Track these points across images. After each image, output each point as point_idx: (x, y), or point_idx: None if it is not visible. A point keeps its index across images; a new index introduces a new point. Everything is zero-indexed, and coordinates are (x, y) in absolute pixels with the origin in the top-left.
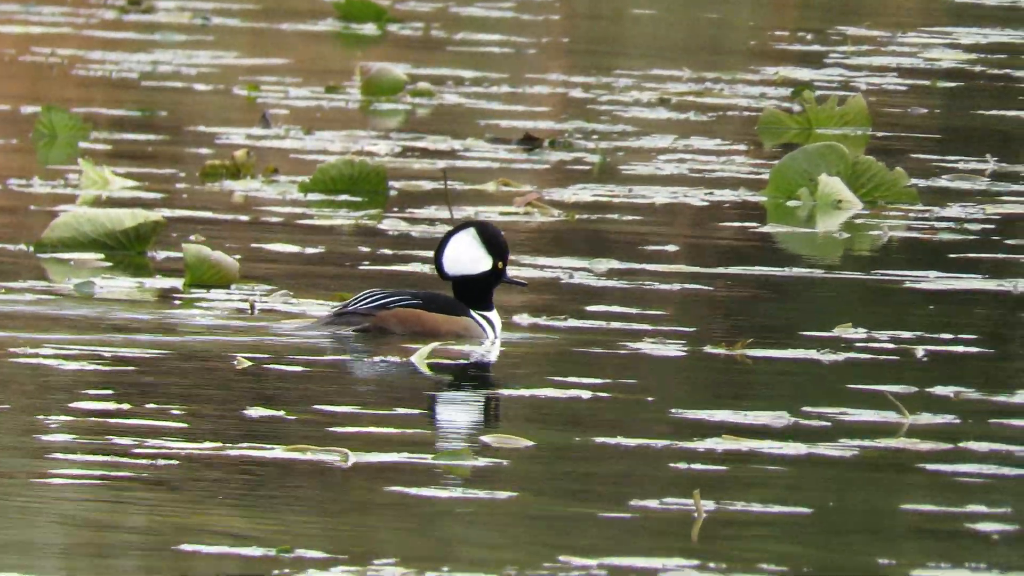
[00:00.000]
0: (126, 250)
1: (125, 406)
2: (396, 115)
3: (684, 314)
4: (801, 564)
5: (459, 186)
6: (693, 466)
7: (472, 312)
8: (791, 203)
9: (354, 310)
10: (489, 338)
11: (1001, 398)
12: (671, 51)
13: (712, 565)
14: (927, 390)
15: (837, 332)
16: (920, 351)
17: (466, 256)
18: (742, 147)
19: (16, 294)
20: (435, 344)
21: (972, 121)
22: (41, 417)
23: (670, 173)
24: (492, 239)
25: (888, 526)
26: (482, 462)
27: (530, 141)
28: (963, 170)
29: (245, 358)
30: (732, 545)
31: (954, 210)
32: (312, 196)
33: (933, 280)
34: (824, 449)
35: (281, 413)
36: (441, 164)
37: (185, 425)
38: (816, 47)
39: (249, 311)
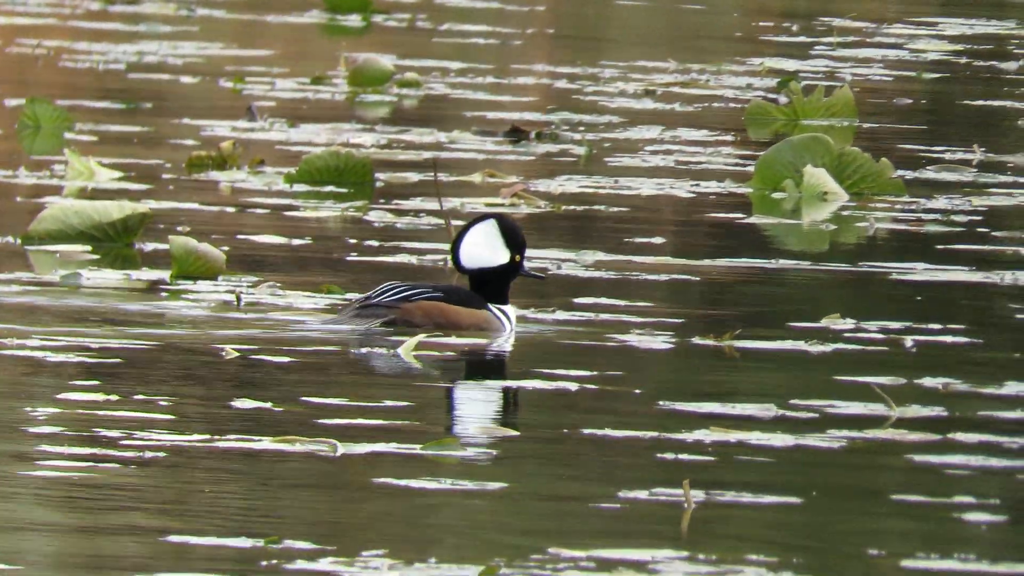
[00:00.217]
0: (113, 242)
1: (112, 397)
2: (382, 106)
3: (671, 305)
4: (790, 554)
5: (446, 177)
6: (681, 457)
7: (489, 305)
8: (777, 195)
9: (377, 303)
10: (506, 331)
11: (989, 389)
12: (656, 42)
13: (701, 556)
14: (915, 381)
15: (825, 323)
16: (908, 342)
17: (484, 249)
18: (728, 138)
19: (3, 285)
20: (421, 336)
21: (958, 112)
22: (28, 409)
23: (656, 164)
24: (510, 232)
25: (877, 516)
26: (470, 453)
27: (516, 132)
28: (949, 161)
29: (233, 349)
30: (721, 535)
31: (941, 201)
32: (298, 187)
33: (920, 271)
34: (812, 440)
35: (269, 404)
36: (427, 155)
37: (173, 416)
38: (801, 38)
39: (236, 303)
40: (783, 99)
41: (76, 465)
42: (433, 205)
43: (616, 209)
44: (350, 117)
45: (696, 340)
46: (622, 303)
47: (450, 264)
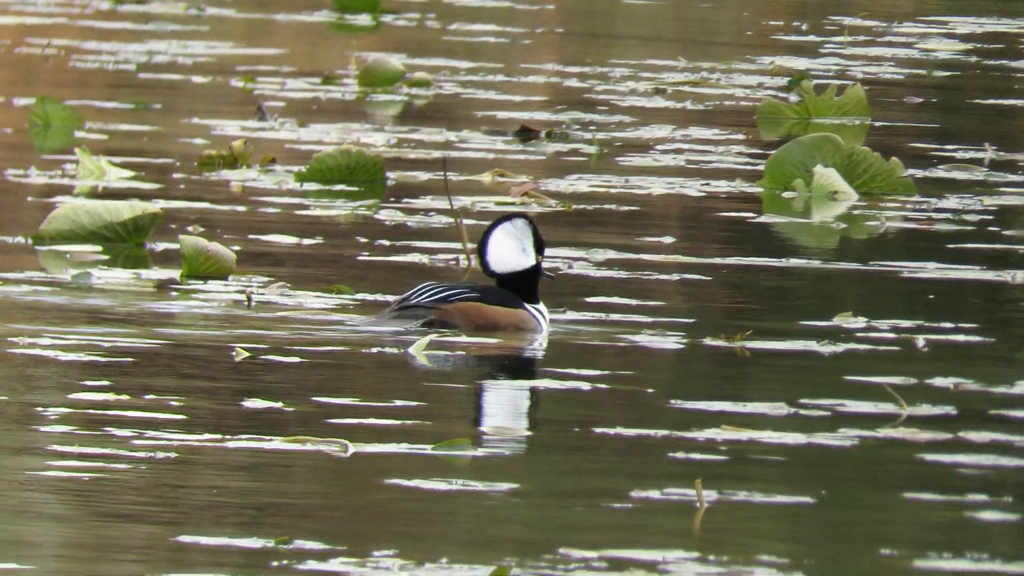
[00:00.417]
0: (124, 242)
1: (123, 397)
2: (392, 106)
3: (682, 305)
4: (802, 554)
5: (456, 177)
6: (693, 456)
7: (525, 304)
8: (787, 194)
9: (416, 304)
10: (541, 330)
11: (1000, 388)
12: (666, 40)
13: (713, 556)
14: (926, 380)
15: (837, 322)
16: (919, 341)
17: (513, 251)
18: (738, 137)
19: (14, 285)
20: (433, 335)
21: (969, 111)
22: (39, 407)
23: (667, 163)
24: (536, 232)
25: (888, 516)
26: (481, 453)
27: (526, 132)
28: (960, 160)
29: (244, 349)
30: (733, 535)
31: (952, 200)
32: (309, 186)
33: (932, 270)
34: (824, 439)
35: (280, 404)
36: (437, 154)
37: (183, 416)
38: (812, 37)
39: (246, 303)
40: (794, 98)
41: (86, 464)
42: (444, 204)
43: (626, 208)
44: (360, 117)
45: (707, 339)
46: (633, 302)
47: (472, 265)
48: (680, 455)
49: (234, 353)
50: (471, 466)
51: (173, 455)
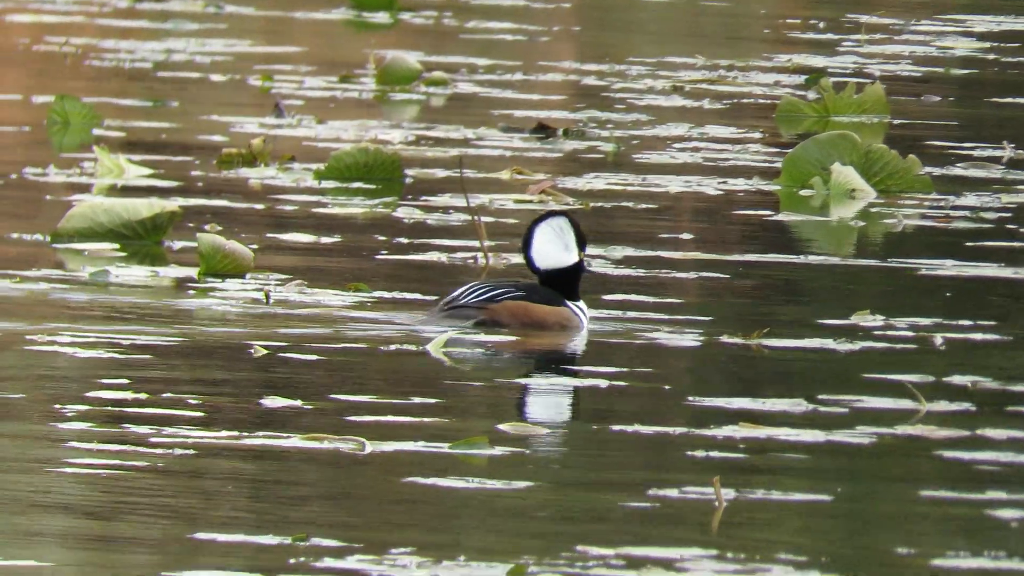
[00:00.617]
0: (142, 240)
1: (141, 395)
2: (410, 104)
3: (700, 302)
4: (820, 552)
5: (473, 175)
6: (711, 454)
7: (567, 302)
8: (804, 192)
9: (465, 303)
10: (584, 328)
11: (1018, 386)
12: (684, 38)
13: (731, 554)
14: (944, 378)
15: (854, 320)
16: (937, 338)
17: (557, 248)
18: (756, 135)
19: (32, 283)
20: (451, 333)
21: (987, 109)
22: (57, 406)
23: (684, 161)
24: (578, 229)
25: (906, 513)
26: (499, 451)
27: (544, 129)
28: (978, 158)
29: (262, 346)
30: (751, 534)
31: (970, 198)
32: (327, 184)
33: (949, 268)
34: (842, 436)
35: (298, 402)
36: (455, 152)
37: (201, 414)
38: (829, 35)
39: (264, 300)
40: (812, 95)
41: (104, 461)
42: (462, 202)
43: (644, 206)
44: (378, 115)
45: (725, 337)
46: (650, 300)
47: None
48: (698, 453)
49: (252, 350)
50: (488, 464)
51: (191, 452)
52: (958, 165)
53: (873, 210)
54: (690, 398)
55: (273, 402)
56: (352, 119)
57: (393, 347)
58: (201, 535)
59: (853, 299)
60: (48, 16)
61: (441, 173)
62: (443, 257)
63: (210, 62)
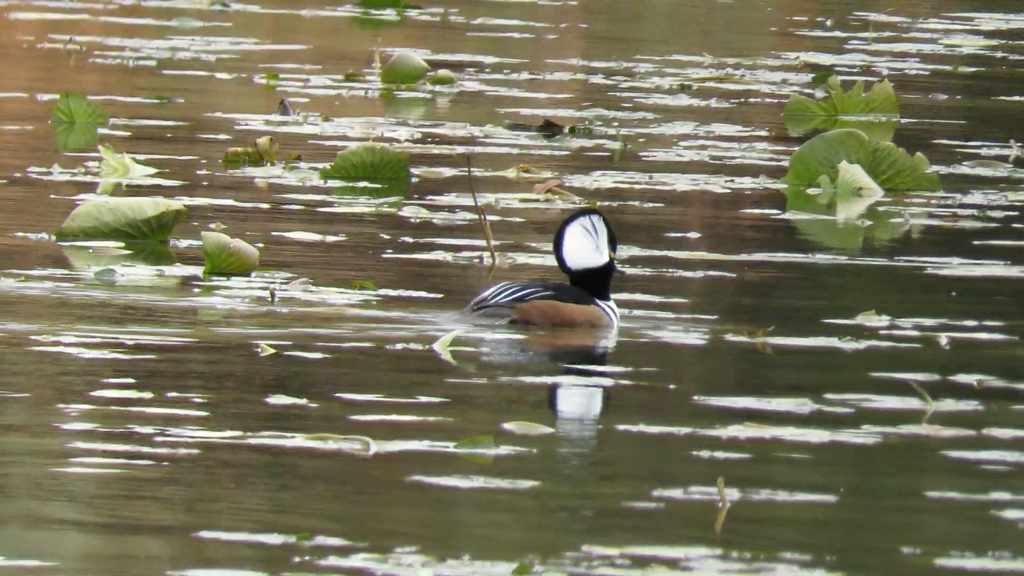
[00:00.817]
0: (148, 239)
1: (146, 394)
2: (416, 103)
3: (706, 301)
4: (825, 552)
5: (480, 173)
6: (716, 454)
7: (597, 301)
8: (812, 190)
9: (495, 303)
10: (613, 327)
11: None
12: (691, 37)
13: (735, 554)
14: (950, 377)
15: (860, 319)
16: (943, 338)
17: (589, 248)
18: (763, 133)
19: (37, 282)
20: (457, 332)
21: (994, 107)
22: (62, 406)
23: (691, 160)
24: (609, 228)
25: (912, 513)
26: (504, 450)
27: (550, 127)
28: (985, 156)
29: (268, 345)
30: (756, 533)
31: (977, 196)
32: (332, 183)
33: (956, 267)
34: (847, 436)
35: (303, 401)
36: (461, 150)
37: (206, 413)
38: (836, 33)
39: (269, 299)
40: (819, 94)
41: (109, 462)
42: (468, 200)
43: (650, 205)
44: (384, 113)
45: (730, 336)
46: (656, 299)
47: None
48: (703, 452)
49: (258, 349)
50: (493, 463)
51: (196, 451)
52: (965, 163)
53: (880, 208)
54: (695, 397)
55: (278, 401)
56: (358, 117)
57: (399, 346)
58: (206, 534)
59: (859, 298)
60: (53, 13)
61: (448, 172)
62: (449, 256)
63: (216, 60)
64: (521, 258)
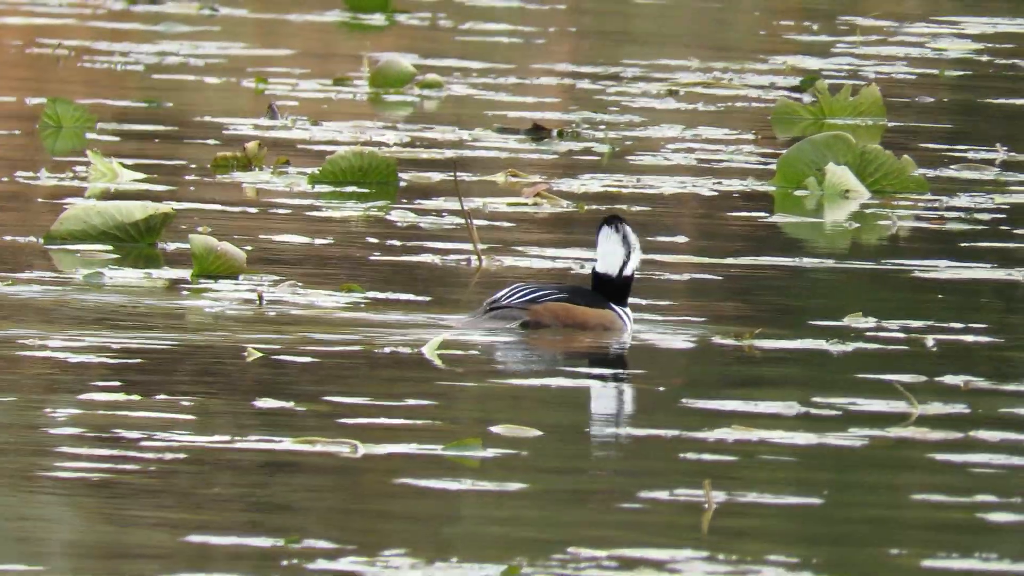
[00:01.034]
0: (136, 242)
1: (134, 397)
2: (404, 107)
3: (693, 304)
4: (811, 554)
5: (468, 177)
6: (703, 456)
7: (612, 305)
8: (799, 193)
9: (507, 304)
10: (628, 331)
11: (1011, 387)
12: (678, 41)
13: (722, 556)
14: (936, 379)
15: (847, 321)
16: (930, 340)
17: (619, 253)
18: (750, 137)
19: (24, 285)
20: (445, 334)
21: (981, 110)
22: (49, 409)
23: (678, 163)
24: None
25: (898, 515)
26: (491, 453)
27: (538, 131)
28: (972, 159)
29: (255, 348)
30: (742, 535)
31: (963, 199)
32: (320, 187)
33: (943, 269)
34: (834, 438)
35: (291, 404)
36: (449, 154)
37: (194, 417)
38: (824, 37)
39: (257, 302)
40: (807, 98)
41: (97, 465)
42: (456, 204)
43: (638, 208)
44: (372, 117)
45: (718, 338)
46: (644, 301)
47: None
48: (690, 455)
49: (245, 353)
50: (481, 466)
51: (183, 455)
52: (952, 166)
53: (867, 211)
54: (683, 399)
55: (266, 404)
56: (346, 121)
57: (387, 349)
58: (194, 538)
59: (846, 301)
60: (41, 18)
61: (436, 176)
62: (436, 259)
63: (204, 64)
64: (508, 261)
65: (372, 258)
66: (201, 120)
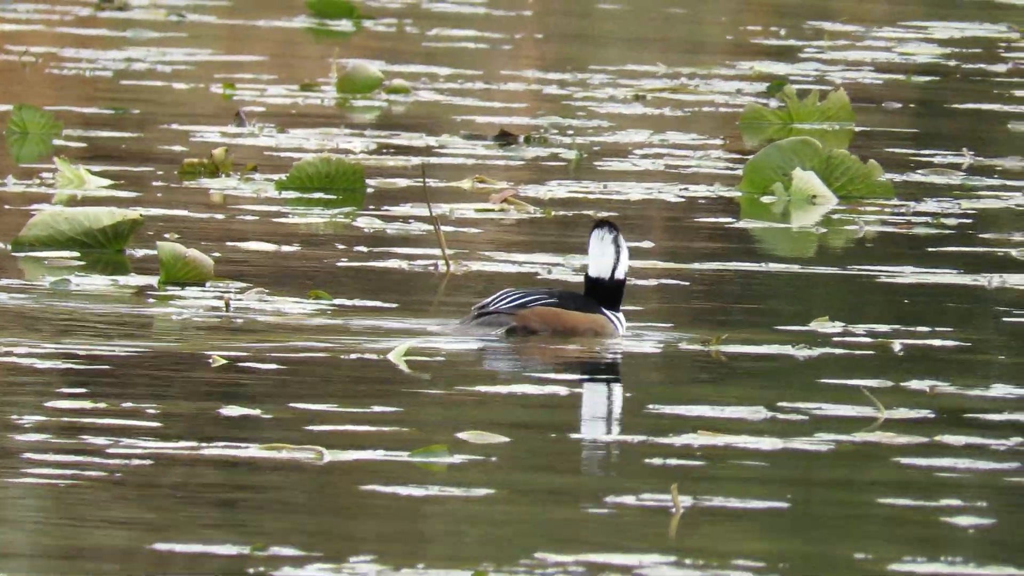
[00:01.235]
0: (104, 248)
1: (100, 404)
2: (371, 112)
3: (660, 309)
4: (778, 558)
5: (435, 183)
6: (670, 461)
7: (604, 310)
8: (766, 199)
9: (496, 309)
10: (620, 336)
11: (976, 392)
12: (645, 46)
13: (689, 560)
14: (903, 384)
15: (814, 326)
16: (896, 345)
17: (609, 259)
18: (717, 142)
19: None
20: (412, 342)
21: (947, 115)
22: (14, 415)
23: (646, 169)
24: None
25: (864, 519)
26: (458, 459)
27: (505, 137)
28: (939, 164)
29: (220, 356)
30: (709, 540)
31: (930, 204)
32: (288, 194)
33: (909, 274)
34: (800, 443)
35: (256, 411)
36: (416, 161)
37: (159, 424)
38: (791, 41)
39: (224, 308)
40: (773, 103)
41: (62, 472)
42: (423, 211)
43: (605, 213)
44: (339, 123)
45: (684, 344)
46: None
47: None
48: (657, 459)
49: (211, 359)
50: (448, 472)
51: (149, 462)
52: (918, 171)
53: (834, 216)
54: (649, 404)
55: (232, 411)
56: (314, 127)
57: (354, 356)
58: (160, 545)
59: (812, 305)
60: (7, 24)
61: (403, 183)
62: (404, 265)
63: (171, 71)
64: (476, 266)
65: (340, 264)
66: (169, 127)
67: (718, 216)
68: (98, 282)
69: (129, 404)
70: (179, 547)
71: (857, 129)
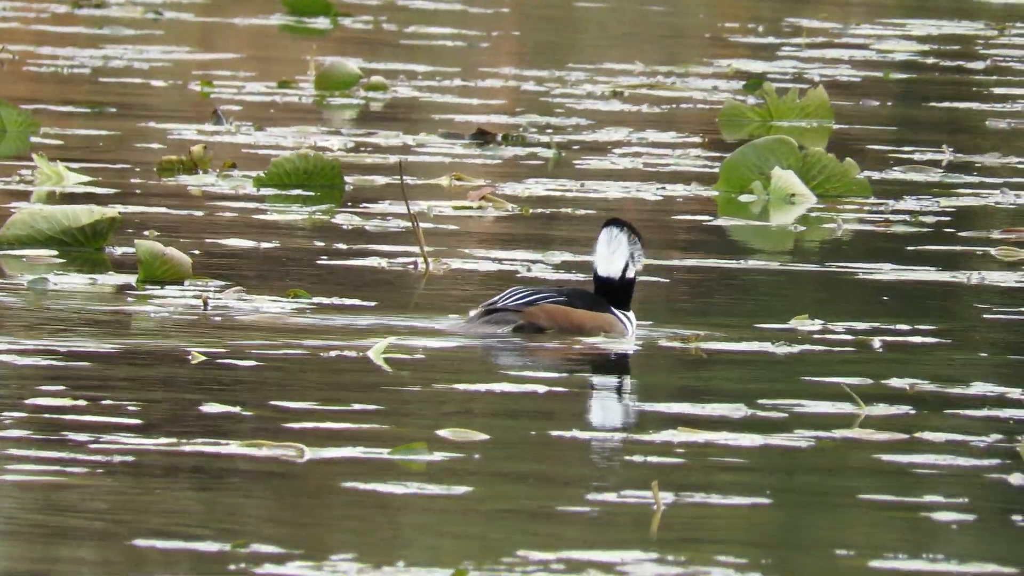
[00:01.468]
0: (83, 246)
1: (80, 402)
2: (349, 109)
3: (639, 307)
4: (758, 555)
5: (413, 181)
6: (650, 459)
7: (613, 309)
8: (744, 197)
9: (503, 307)
10: (629, 335)
11: (956, 389)
12: (623, 44)
13: (671, 557)
14: (882, 381)
15: (793, 324)
16: (875, 342)
17: (620, 257)
18: (695, 140)
19: None
20: (392, 339)
21: (926, 112)
22: None
23: (624, 167)
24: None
25: (845, 517)
26: (438, 456)
27: (483, 135)
28: (918, 161)
29: (199, 353)
30: (690, 537)
31: (909, 202)
32: (266, 191)
33: (888, 272)
34: (780, 440)
35: (236, 408)
36: (394, 159)
37: (139, 421)
38: (769, 39)
39: (203, 306)
40: (751, 100)
41: (42, 469)
42: (401, 208)
43: (584, 211)
44: (317, 121)
45: (664, 342)
46: None
47: (430, 268)
48: (637, 457)
49: (190, 357)
50: (428, 470)
51: (129, 459)
52: (897, 169)
53: (812, 214)
54: (629, 402)
55: (212, 408)
56: (291, 125)
57: (333, 353)
58: (140, 542)
59: (792, 303)
60: None
61: (381, 180)
62: (383, 263)
63: (149, 68)
64: (455, 264)
65: (318, 262)
66: (146, 125)
67: (696, 214)
68: (76, 280)
69: (109, 401)
70: (159, 544)
71: (836, 127)
